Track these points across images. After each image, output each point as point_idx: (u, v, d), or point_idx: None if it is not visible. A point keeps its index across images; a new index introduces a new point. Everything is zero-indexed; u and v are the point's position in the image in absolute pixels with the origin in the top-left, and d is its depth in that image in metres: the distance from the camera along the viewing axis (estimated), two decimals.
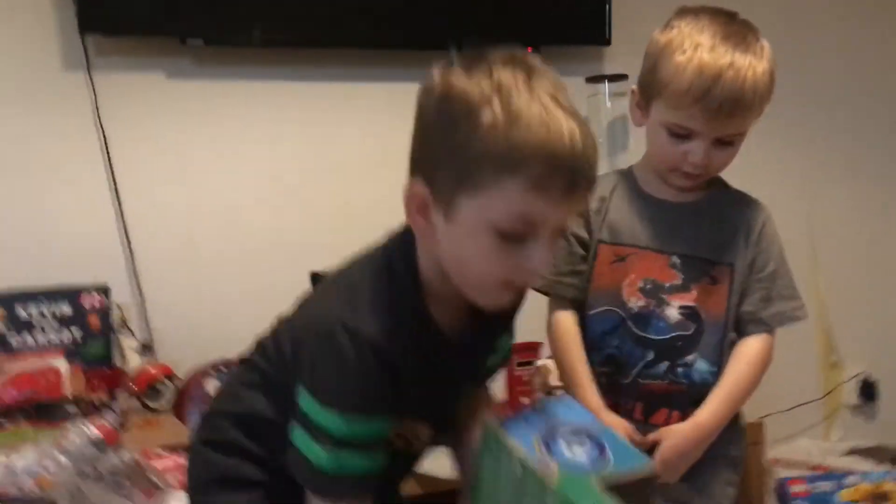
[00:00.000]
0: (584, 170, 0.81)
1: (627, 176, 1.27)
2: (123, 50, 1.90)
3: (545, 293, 1.24)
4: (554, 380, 2.05)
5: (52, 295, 1.77)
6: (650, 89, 1.17)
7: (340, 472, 0.86)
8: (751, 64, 1.09)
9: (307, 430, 0.87)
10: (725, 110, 1.09)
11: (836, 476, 2.12)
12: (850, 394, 2.62)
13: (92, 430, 1.30)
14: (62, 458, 1.23)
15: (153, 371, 1.80)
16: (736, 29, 1.13)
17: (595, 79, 2.19)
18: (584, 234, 1.24)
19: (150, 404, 1.78)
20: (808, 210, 2.45)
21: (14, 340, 1.74)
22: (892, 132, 2.66)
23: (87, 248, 1.88)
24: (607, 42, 2.22)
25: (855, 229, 2.62)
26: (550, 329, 1.24)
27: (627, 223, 1.22)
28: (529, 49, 2.18)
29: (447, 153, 0.82)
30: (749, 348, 1.20)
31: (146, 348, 1.85)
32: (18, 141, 1.86)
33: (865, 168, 2.63)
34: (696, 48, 1.10)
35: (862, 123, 2.62)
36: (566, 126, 0.79)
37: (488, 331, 0.98)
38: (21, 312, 1.75)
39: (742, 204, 1.24)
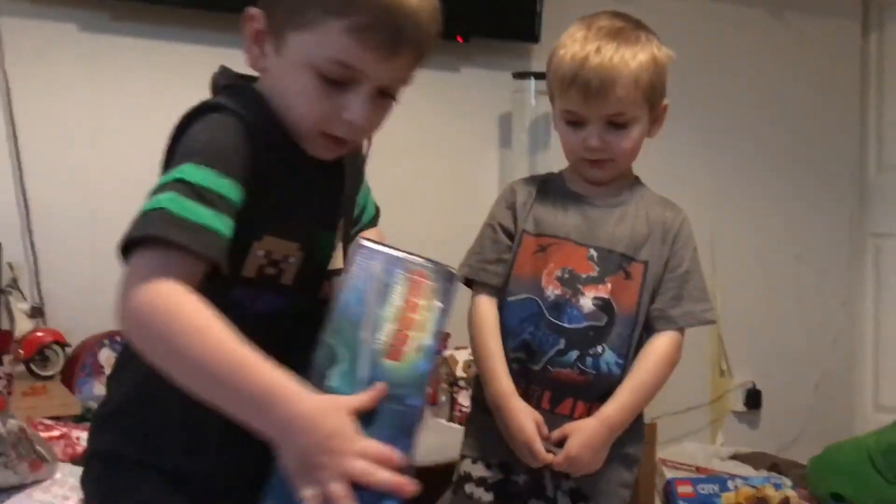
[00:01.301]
0: (411, 32, 0.83)
1: (557, 176, 1.31)
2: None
3: (470, 280, 1.25)
4: (460, 370, 2.06)
5: None
6: (549, 88, 1.26)
7: (183, 213, 0.74)
8: (619, 49, 1.18)
9: (150, 195, 0.78)
10: (595, 89, 1.17)
11: (720, 479, 2.21)
12: (736, 401, 2.73)
13: None
14: None
15: (43, 336, 1.72)
16: (620, 26, 1.22)
17: (522, 75, 2.21)
18: (510, 224, 1.27)
19: (38, 371, 1.70)
20: (710, 224, 2.54)
21: None
22: (793, 155, 2.78)
23: None
24: (536, 39, 2.23)
25: (752, 246, 2.73)
26: (471, 314, 1.25)
27: (552, 216, 1.25)
28: (460, 39, 2.19)
29: None
30: (657, 346, 1.23)
31: (37, 311, 1.76)
32: None
33: (765, 188, 2.75)
34: (574, 41, 1.20)
35: (765, 145, 2.74)
36: None
37: (339, 172, 0.95)
38: None
39: (661, 206, 1.28)
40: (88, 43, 1.86)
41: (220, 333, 0.73)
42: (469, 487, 1.25)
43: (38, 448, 1.29)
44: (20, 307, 1.71)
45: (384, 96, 0.86)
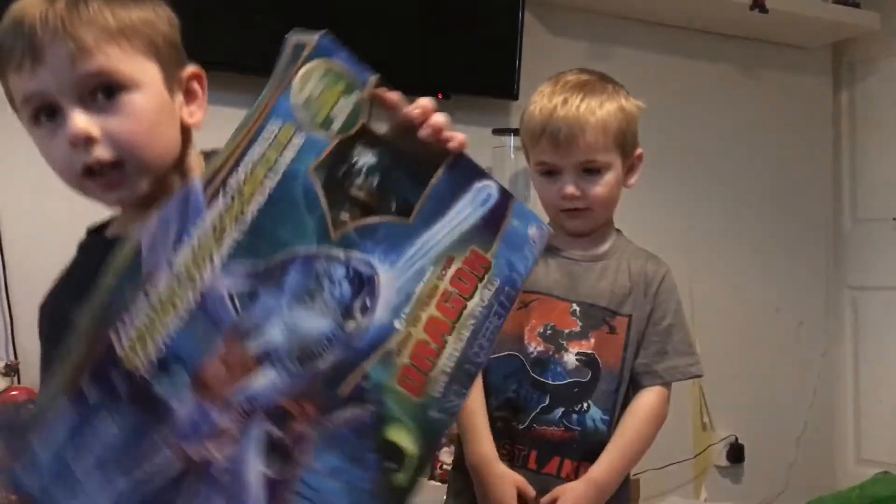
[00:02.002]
0: (38, 38, 0.76)
1: None
2: None
3: None
4: None
5: None
6: (523, 143, 1.30)
7: None
8: (585, 99, 1.22)
9: None
10: (564, 137, 1.20)
11: None
12: (719, 455, 2.71)
13: None
14: None
15: (17, 394, 1.68)
16: (586, 79, 1.26)
17: (501, 131, 2.24)
18: None
19: None
20: (688, 275, 2.55)
21: None
22: (769, 207, 2.82)
23: None
24: (515, 96, 2.26)
25: (730, 297, 2.75)
26: None
27: (534, 273, 1.25)
28: (440, 96, 2.22)
29: None
30: (644, 402, 1.23)
31: (10, 369, 1.73)
32: None
33: (742, 240, 2.77)
34: (542, 96, 1.25)
35: (740, 198, 2.77)
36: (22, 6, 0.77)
37: None
38: None
39: (643, 258, 1.29)
40: None
41: None
42: None
43: None
44: None
45: (103, 97, 0.78)
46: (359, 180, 0.72)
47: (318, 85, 0.70)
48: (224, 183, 0.67)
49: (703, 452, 2.68)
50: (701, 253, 2.66)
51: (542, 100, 1.24)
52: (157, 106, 0.81)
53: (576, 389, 1.21)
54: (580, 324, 1.23)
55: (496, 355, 1.23)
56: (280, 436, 0.66)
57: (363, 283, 0.70)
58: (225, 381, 0.65)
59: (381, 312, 0.70)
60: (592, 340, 1.22)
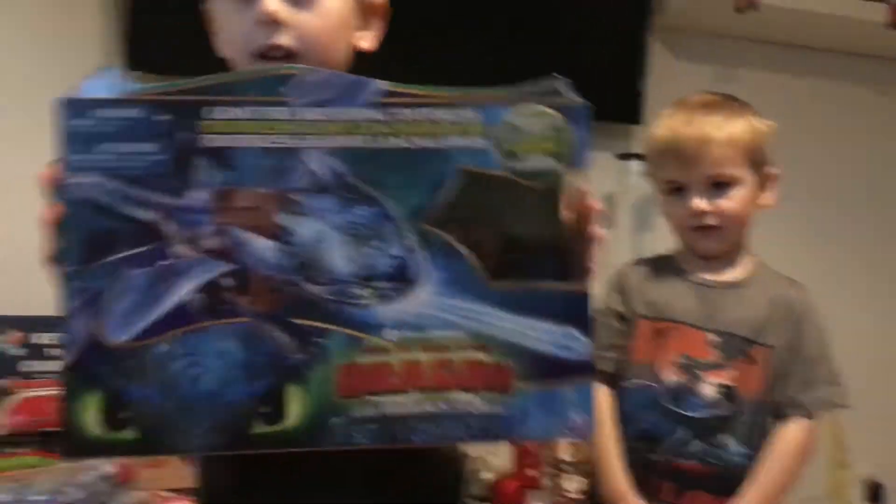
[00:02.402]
0: None
1: (667, 257, 1.30)
2: None
3: None
4: (564, 453, 2.02)
5: None
6: (649, 166, 1.30)
7: None
8: (710, 116, 1.21)
9: None
10: (691, 151, 1.19)
11: None
12: (855, 495, 2.58)
13: (107, 465, 1.28)
14: (76, 493, 1.20)
15: None
16: (711, 100, 1.25)
17: (626, 156, 2.22)
18: (621, 308, 1.25)
19: None
20: (823, 305, 2.45)
21: (28, 366, 1.73)
22: None
23: None
24: (639, 121, 2.24)
25: (868, 327, 2.62)
26: None
27: (667, 300, 1.24)
28: None
29: None
30: (789, 436, 1.19)
31: None
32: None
33: (881, 268, 2.65)
34: (667, 118, 1.25)
35: (881, 218, 2.65)
36: None
37: None
38: (38, 339, 1.74)
39: (783, 284, 1.25)
40: None
41: None
42: None
43: None
44: None
45: None
46: (484, 218, 0.69)
47: (538, 127, 0.70)
48: (398, 106, 0.68)
49: (838, 491, 2.55)
50: (837, 280, 2.55)
51: (667, 120, 1.24)
52: (346, 14, 0.84)
53: (714, 422, 1.18)
54: (719, 354, 1.20)
55: (630, 384, 1.21)
56: (222, 286, 0.67)
57: (402, 279, 0.68)
58: (239, 215, 0.67)
59: (388, 312, 0.68)
60: (731, 371, 1.19)
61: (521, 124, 0.69)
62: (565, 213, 0.69)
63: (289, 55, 0.80)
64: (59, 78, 1.88)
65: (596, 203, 0.71)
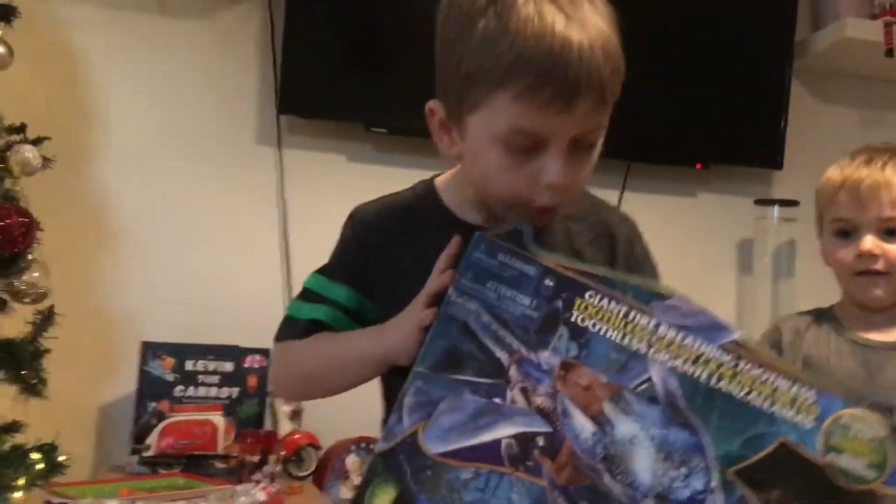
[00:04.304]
0: (581, 76, 0.77)
1: (827, 311, 1.25)
2: (313, 132, 2.03)
3: None
4: None
5: (219, 351, 1.87)
6: (817, 208, 1.25)
7: (292, 314, 0.96)
8: (893, 160, 1.17)
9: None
10: (867, 188, 1.15)
11: None
12: None
13: (259, 493, 1.33)
14: None
15: (300, 438, 1.85)
16: (892, 146, 1.21)
17: (764, 202, 2.17)
18: None
19: (294, 471, 1.82)
20: None
21: (179, 391, 1.83)
22: None
23: (254, 312, 1.96)
24: (780, 165, 2.19)
25: None
26: None
27: (825, 359, 1.18)
28: (699, 166, 2.19)
29: (450, 70, 0.82)
30: None
31: (296, 414, 1.90)
32: (206, 202, 2.00)
33: None
34: (843, 161, 1.22)
35: None
36: (560, 34, 0.76)
37: None
38: (188, 365, 1.85)
39: None
40: (356, 171, 2.06)
41: (320, 339, 0.92)
42: None
43: None
44: (284, 409, 1.86)
45: (581, 149, 0.82)
46: (785, 492, 0.71)
47: (868, 433, 0.71)
48: (748, 361, 0.72)
49: None
50: None
51: (843, 162, 1.21)
52: None
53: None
54: None
55: None
56: (535, 444, 0.73)
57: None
58: (575, 389, 0.74)
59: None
60: None
61: (853, 424, 0.71)
62: None
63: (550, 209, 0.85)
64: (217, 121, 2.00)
65: None
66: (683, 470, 0.71)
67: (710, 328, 0.73)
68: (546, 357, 0.74)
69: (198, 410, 1.80)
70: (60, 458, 1.59)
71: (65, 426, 1.64)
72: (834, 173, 1.21)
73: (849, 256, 1.18)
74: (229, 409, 1.84)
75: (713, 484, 0.70)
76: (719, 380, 0.72)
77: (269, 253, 2.01)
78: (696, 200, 2.25)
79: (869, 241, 1.15)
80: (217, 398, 1.86)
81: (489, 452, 0.73)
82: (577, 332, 0.74)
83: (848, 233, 1.18)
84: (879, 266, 1.16)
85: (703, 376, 0.72)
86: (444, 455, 0.73)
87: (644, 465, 0.71)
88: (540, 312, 0.75)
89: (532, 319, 0.75)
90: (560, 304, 0.75)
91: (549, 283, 0.76)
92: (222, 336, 1.89)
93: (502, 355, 0.75)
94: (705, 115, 2.15)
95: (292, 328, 0.95)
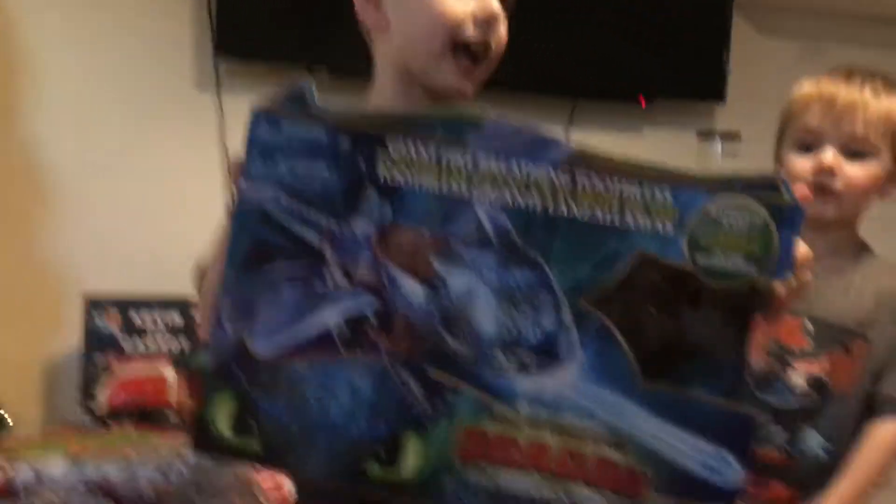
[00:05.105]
0: None
1: None
2: (251, 74, 1.97)
3: None
4: None
5: (165, 304, 1.83)
6: (782, 121, 1.22)
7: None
8: (871, 82, 1.15)
9: None
10: (842, 103, 1.14)
11: None
12: None
13: None
14: (182, 469, 1.26)
15: None
16: (873, 71, 1.19)
17: (707, 134, 2.19)
18: None
19: None
20: None
21: (126, 345, 1.80)
22: None
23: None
24: (722, 97, 2.20)
25: None
26: None
27: None
28: (641, 98, 2.20)
29: None
30: (882, 434, 1.15)
31: None
32: (145, 152, 1.94)
33: None
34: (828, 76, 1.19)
35: None
36: None
37: None
38: (135, 318, 1.81)
39: (893, 276, 1.20)
40: None
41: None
42: None
43: (258, 495, 1.38)
44: None
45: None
46: (651, 310, 0.63)
47: (740, 223, 0.62)
48: (586, 172, 0.64)
49: None
50: None
51: (819, 77, 1.18)
52: None
53: (800, 413, 1.16)
54: (812, 343, 1.17)
55: None
56: (367, 322, 0.66)
57: (547, 354, 0.64)
58: (398, 253, 0.66)
59: (525, 384, 0.64)
60: (824, 362, 1.16)
61: (721, 217, 0.62)
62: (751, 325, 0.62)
63: (486, 52, 0.83)
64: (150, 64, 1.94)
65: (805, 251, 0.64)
66: (529, 311, 0.63)
67: (536, 147, 0.64)
68: (359, 226, 0.66)
69: (146, 362, 1.77)
70: (4, 416, 1.56)
71: (7, 384, 1.60)
72: (809, 86, 1.18)
73: (807, 167, 1.15)
74: (180, 361, 1.82)
75: (565, 319, 0.63)
76: (557, 205, 0.63)
77: (212, 200, 1.97)
78: (642, 135, 2.26)
79: (831, 155, 1.13)
80: (169, 351, 1.83)
81: (321, 342, 0.66)
82: (388, 191, 0.65)
83: (810, 148, 1.16)
84: (837, 185, 1.14)
85: (538, 205, 0.64)
86: (276, 355, 0.66)
87: (486, 315, 0.64)
88: (341, 179, 0.66)
89: (335, 189, 0.66)
90: (362, 163, 0.66)
91: (343, 142, 0.66)
92: (169, 285, 1.86)
93: (312, 236, 0.66)
94: (648, 48, 2.15)
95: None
